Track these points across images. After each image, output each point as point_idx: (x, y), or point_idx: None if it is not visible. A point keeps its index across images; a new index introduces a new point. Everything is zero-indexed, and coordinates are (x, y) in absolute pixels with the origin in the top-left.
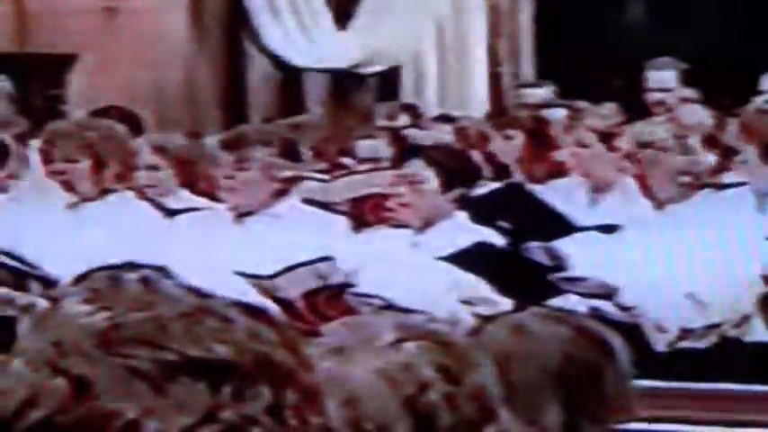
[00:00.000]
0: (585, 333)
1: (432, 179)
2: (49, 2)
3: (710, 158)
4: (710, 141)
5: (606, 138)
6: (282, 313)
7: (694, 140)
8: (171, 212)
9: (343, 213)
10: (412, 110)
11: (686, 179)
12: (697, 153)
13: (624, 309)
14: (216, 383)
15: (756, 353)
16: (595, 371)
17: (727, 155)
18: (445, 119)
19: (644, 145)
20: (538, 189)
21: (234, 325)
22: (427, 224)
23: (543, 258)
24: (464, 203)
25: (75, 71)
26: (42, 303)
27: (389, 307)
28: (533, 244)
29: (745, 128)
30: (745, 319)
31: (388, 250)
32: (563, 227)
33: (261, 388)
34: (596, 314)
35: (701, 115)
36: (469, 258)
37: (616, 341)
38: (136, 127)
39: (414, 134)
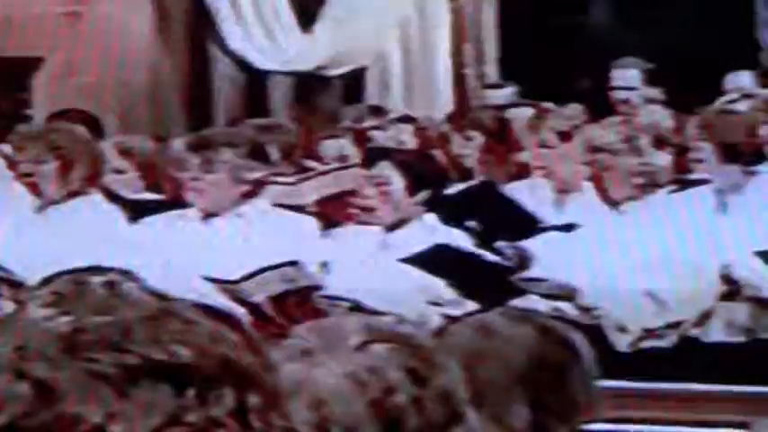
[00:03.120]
0: (550, 333)
1: (397, 181)
2: (12, 6)
3: (664, 159)
4: (667, 142)
5: (567, 138)
6: (251, 317)
7: (646, 141)
8: (139, 208)
9: (311, 215)
10: (378, 111)
11: (640, 180)
12: (649, 154)
13: (585, 310)
14: (180, 386)
15: (716, 353)
16: (561, 370)
17: (685, 155)
18: (406, 120)
19: (598, 148)
20: (507, 188)
21: (196, 327)
22: (395, 226)
23: (511, 258)
24: (433, 204)
25: (40, 75)
26: (9, 307)
27: (358, 309)
28: (502, 243)
29: (705, 127)
30: (705, 317)
31: (356, 251)
32: (532, 226)
33: (224, 390)
34: (557, 315)
35: (659, 115)
36: (429, 261)
37: (580, 340)
38: (96, 130)
39: (376, 135)
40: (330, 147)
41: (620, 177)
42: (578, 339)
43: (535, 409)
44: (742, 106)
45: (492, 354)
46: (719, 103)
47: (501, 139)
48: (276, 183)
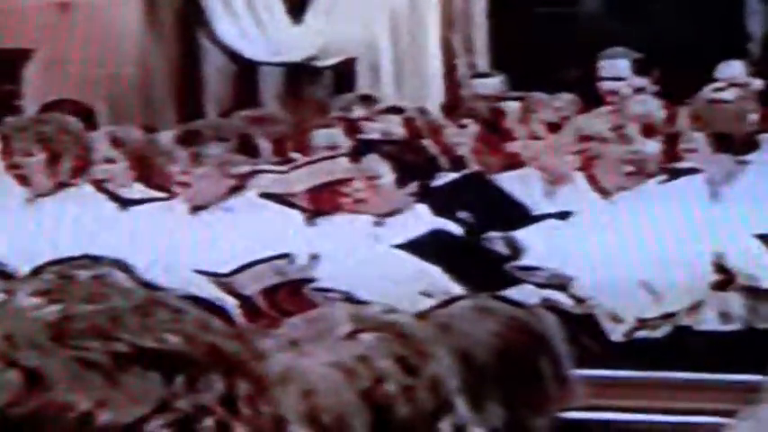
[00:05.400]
0: (514, 324)
1: (387, 174)
2: None
3: (653, 147)
4: (656, 130)
5: (557, 129)
6: (242, 309)
7: (634, 130)
8: (127, 203)
9: (300, 203)
10: (368, 100)
11: (630, 168)
12: (638, 142)
13: (579, 300)
14: (169, 373)
15: (708, 341)
16: (528, 362)
17: (675, 143)
18: (395, 110)
19: (587, 137)
20: (498, 179)
21: (185, 316)
22: (386, 216)
23: (502, 248)
24: (424, 195)
25: (30, 66)
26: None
27: (350, 300)
28: (493, 234)
29: (697, 117)
30: (698, 307)
31: (347, 242)
32: (523, 216)
33: (213, 378)
34: (550, 305)
35: (650, 105)
36: (425, 246)
37: (549, 327)
38: (89, 120)
39: (366, 126)
40: (320, 136)
41: (610, 166)
42: (547, 326)
43: (507, 404)
44: (729, 95)
45: (455, 352)
46: (707, 91)
47: (495, 128)
48: (267, 171)
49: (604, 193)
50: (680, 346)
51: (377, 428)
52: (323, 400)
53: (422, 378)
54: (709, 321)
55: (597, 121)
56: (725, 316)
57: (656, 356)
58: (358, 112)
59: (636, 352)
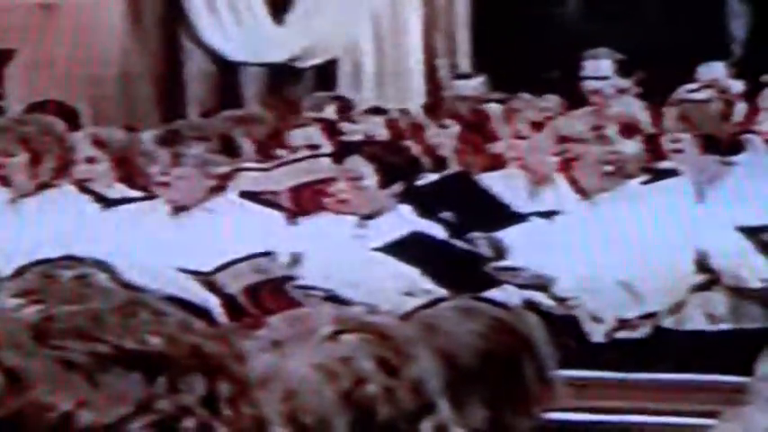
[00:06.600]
0: (499, 325)
1: (370, 175)
2: None
3: (633, 147)
4: (639, 131)
5: (539, 129)
6: (225, 308)
7: (614, 131)
8: (109, 204)
9: (282, 203)
10: (341, 101)
11: (610, 168)
12: (617, 142)
13: (560, 300)
14: (150, 375)
15: (691, 342)
16: (511, 363)
17: (657, 144)
18: (377, 111)
19: (565, 138)
20: (481, 179)
21: (166, 317)
22: (369, 217)
23: (484, 249)
24: (407, 195)
25: (13, 67)
26: None
27: (332, 299)
28: (476, 234)
29: (683, 118)
30: (679, 307)
31: (330, 241)
32: (507, 216)
33: (195, 379)
34: (530, 305)
35: (633, 106)
36: (404, 249)
37: (534, 329)
38: (73, 121)
39: (347, 127)
40: (298, 136)
41: (589, 167)
42: (531, 328)
43: (490, 405)
44: (703, 95)
45: (438, 352)
46: (681, 92)
47: (477, 128)
48: (250, 169)
49: (585, 193)
50: (662, 346)
51: (358, 430)
52: (304, 402)
53: (403, 379)
54: (691, 321)
55: (576, 123)
56: (709, 316)
57: (637, 357)
58: (329, 111)
59: (617, 352)
